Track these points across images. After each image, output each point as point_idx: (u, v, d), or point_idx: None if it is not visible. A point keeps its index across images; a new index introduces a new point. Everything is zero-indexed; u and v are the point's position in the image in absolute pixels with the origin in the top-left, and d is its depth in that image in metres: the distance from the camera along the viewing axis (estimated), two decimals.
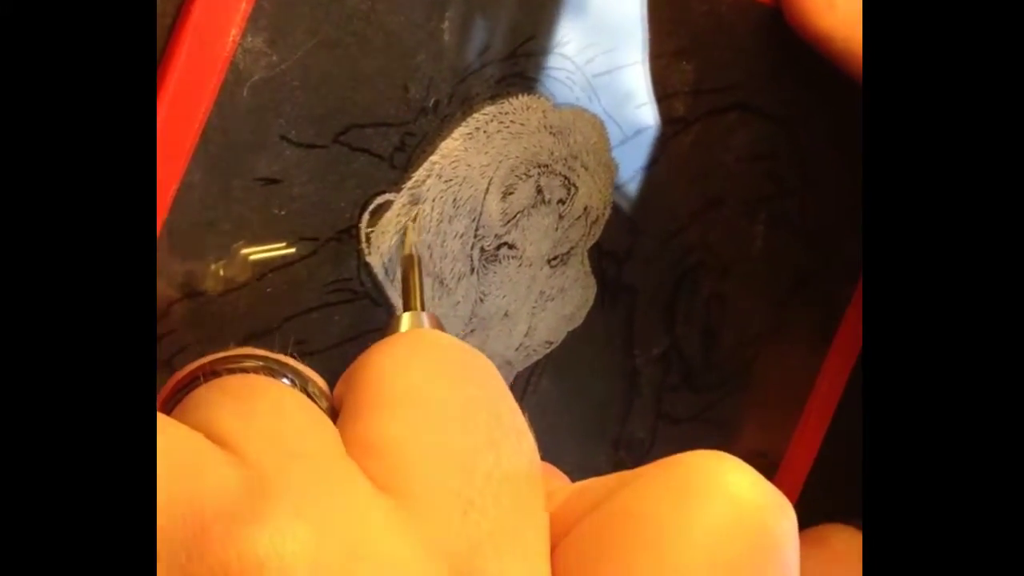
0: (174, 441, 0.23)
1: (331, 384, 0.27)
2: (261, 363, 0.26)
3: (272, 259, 0.30)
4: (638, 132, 0.36)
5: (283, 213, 0.30)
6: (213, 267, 0.29)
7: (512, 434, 0.25)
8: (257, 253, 0.30)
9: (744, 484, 0.24)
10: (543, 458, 0.27)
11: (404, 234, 0.32)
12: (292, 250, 0.31)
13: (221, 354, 0.26)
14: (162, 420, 0.23)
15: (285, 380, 0.26)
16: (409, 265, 0.31)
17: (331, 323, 0.32)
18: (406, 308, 0.31)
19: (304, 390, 0.26)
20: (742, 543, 0.23)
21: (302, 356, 0.31)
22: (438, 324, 0.30)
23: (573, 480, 0.30)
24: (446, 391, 0.25)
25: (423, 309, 0.30)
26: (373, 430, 0.25)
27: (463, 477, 0.24)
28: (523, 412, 0.26)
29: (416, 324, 0.30)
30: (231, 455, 0.23)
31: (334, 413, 0.26)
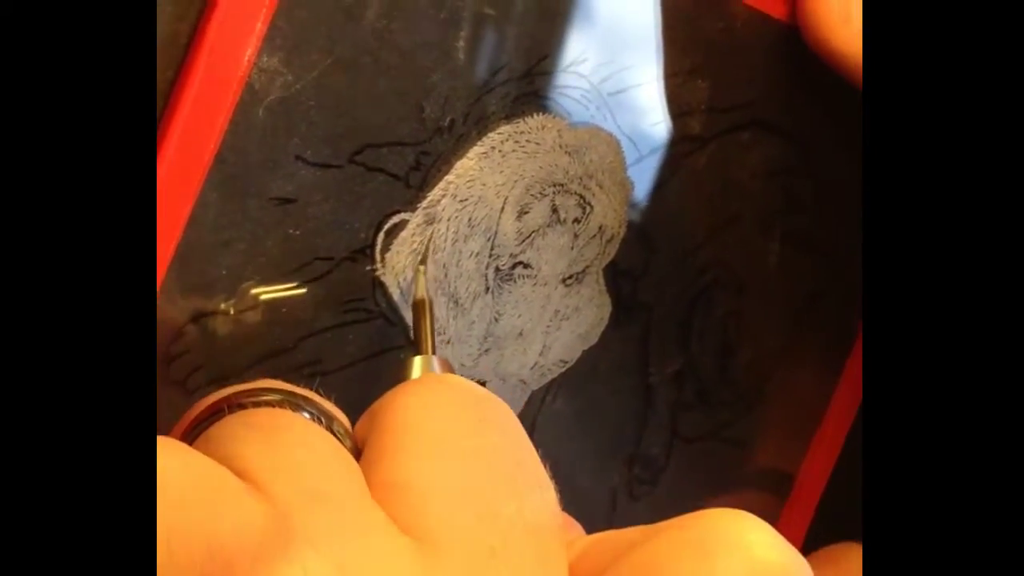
0: (199, 473, 0.22)
1: (346, 408, 0.27)
2: (283, 397, 0.26)
3: (282, 299, 0.30)
4: (653, 150, 0.36)
5: (298, 233, 0.30)
6: (223, 306, 0.29)
7: (535, 483, 0.25)
8: (268, 293, 0.30)
9: (764, 543, 0.24)
10: (556, 476, 0.27)
11: (416, 278, 0.32)
12: (303, 291, 0.31)
13: (244, 387, 0.26)
14: (186, 451, 0.23)
15: (306, 414, 0.26)
16: (420, 309, 0.31)
17: (346, 343, 0.32)
18: (417, 352, 0.31)
19: (329, 428, 0.26)
20: None
21: (316, 376, 0.31)
22: (449, 368, 0.30)
23: (584, 505, 0.30)
24: (471, 437, 0.25)
25: (434, 353, 0.31)
26: (397, 472, 0.24)
27: (487, 523, 0.24)
28: (540, 453, 0.26)
29: (427, 368, 0.30)
30: (256, 491, 0.23)
31: (357, 452, 0.26)
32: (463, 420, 0.26)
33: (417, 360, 0.30)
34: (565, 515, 0.27)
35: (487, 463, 0.25)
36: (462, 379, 0.28)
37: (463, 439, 0.25)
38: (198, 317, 0.29)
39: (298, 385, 0.27)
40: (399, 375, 0.29)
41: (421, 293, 0.32)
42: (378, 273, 0.32)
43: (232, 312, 0.30)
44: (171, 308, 0.29)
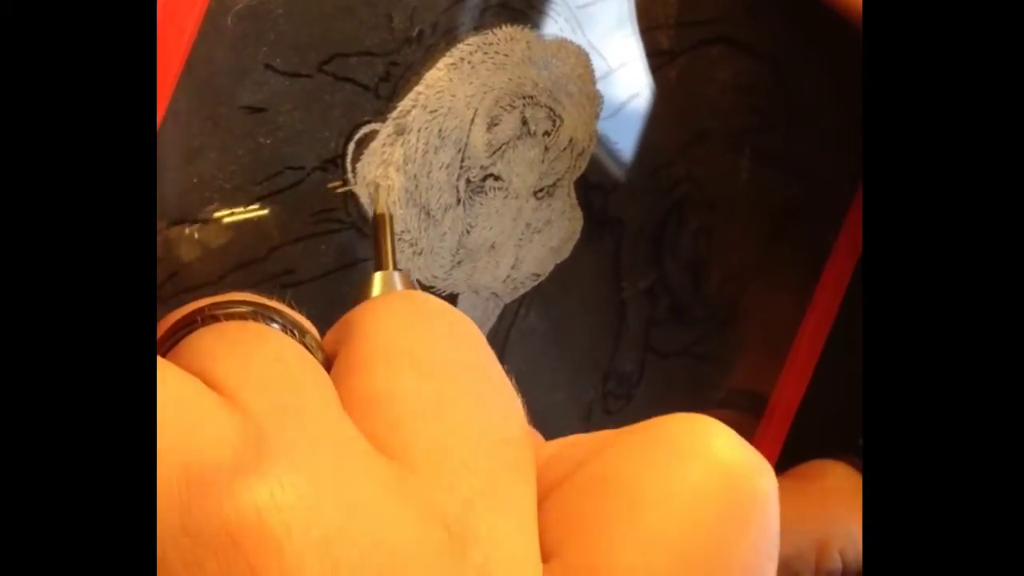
0: (172, 386, 0.22)
1: (319, 319, 0.27)
2: (255, 309, 0.26)
3: (257, 208, 0.31)
4: (622, 64, 0.37)
5: (268, 141, 0.30)
6: (196, 214, 0.30)
7: (503, 396, 0.26)
8: (230, 216, 0.30)
9: (723, 446, 0.24)
10: (531, 390, 0.27)
11: (375, 192, 0.32)
12: (265, 212, 0.31)
13: (216, 299, 0.26)
14: (160, 364, 0.23)
15: (277, 326, 0.26)
16: (380, 224, 0.31)
17: (318, 252, 0.32)
18: (378, 267, 0.31)
19: (301, 341, 0.26)
20: (722, 504, 0.23)
21: (290, 286, 0.31)
22: (409, 283, 0.30)
23: (559, 419, 0.30)
24: (441, 352, 0.25)
25: (395, 268, 0.31)
26: (369, 387, 0.25)
27: (457, 437, 0.24)
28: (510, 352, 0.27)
29: (388, 283, 0.30)
30: (229, 403, 0.23)
31: (328, 365, 0.26)
32: (434, 335, 0.26)
33: (378, 276, 0.30)
34: (530, 428, 0.27)
35: (456, 378, 0.25)
36: (428, 296, 0.28)
37: (433, 355, 0.25)
38: (171, 225, 0.30)
39: (272, 295, 0.27)
40: (360, 290, 0.30)
41: (381, 207, 0.32)
42: (349, 184, 0.32)
43: (206, 220, 0.30)
44: None
